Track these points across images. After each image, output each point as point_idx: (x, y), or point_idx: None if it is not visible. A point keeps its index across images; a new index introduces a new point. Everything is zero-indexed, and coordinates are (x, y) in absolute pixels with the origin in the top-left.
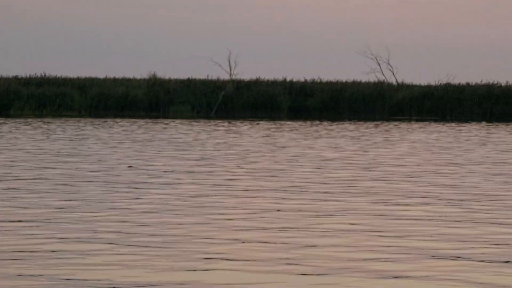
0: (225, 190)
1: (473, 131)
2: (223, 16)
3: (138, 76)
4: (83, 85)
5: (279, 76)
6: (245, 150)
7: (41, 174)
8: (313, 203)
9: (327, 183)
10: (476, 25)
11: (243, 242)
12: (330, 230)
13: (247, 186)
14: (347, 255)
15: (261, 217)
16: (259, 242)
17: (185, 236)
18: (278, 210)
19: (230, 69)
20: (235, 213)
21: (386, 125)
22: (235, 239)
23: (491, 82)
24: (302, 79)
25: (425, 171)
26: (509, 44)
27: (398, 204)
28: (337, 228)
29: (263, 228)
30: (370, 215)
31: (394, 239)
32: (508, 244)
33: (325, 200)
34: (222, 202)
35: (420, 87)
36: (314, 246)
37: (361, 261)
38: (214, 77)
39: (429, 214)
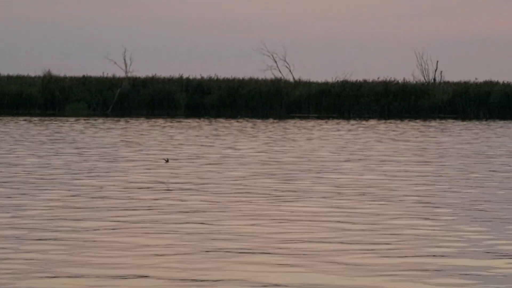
0: (120, 191)
1: (361, 129)
2: (118, 13)
3: (32, 74)
4: None
5: (175, 74)
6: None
7: None
8: (211, 202)
9: (220, 182)
10: (372, 21)
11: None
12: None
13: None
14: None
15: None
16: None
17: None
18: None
19: (126, 67)
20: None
21: (274, 123)
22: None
23: (388, 79)
24: (198, 77)
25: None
26: (404, 41)
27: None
28: (239, 231)
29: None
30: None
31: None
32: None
33: (219, 201)
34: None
35: (317, 84)
36: (220, 249)
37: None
38: (110, 75)
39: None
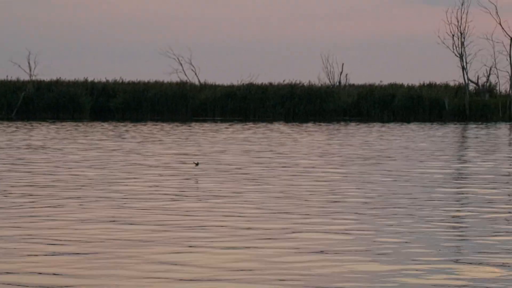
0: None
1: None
2: (22, 15)
3: None
4: None
5: (80, 77)
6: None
7: None
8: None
9: (125, 185)
10: (278, 24)
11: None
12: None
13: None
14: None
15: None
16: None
17: None
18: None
19: (30, 70)
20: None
21: (178, 126)
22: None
23: (293, 82)
24: (104, 80)
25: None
26: (310, 43)
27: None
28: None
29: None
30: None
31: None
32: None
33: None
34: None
35: (223, 87)
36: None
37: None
38: (14, 78)
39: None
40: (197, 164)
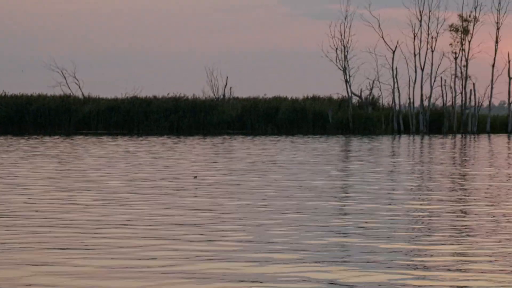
0: None
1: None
2: None
3: None
4: None
5: None
6: None
7: None
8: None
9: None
10: (163, 36)
11: None
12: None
13: None
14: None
15: None
16: None
17: None
18: None
19: None
20: None
21: (59, 140)
22: None
23: (178, 95)
24: None
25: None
26: (195, 56)
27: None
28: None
29: None
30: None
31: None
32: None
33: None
34: None
35: (107, 100)
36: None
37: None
38: None
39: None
40: (195, 177)
